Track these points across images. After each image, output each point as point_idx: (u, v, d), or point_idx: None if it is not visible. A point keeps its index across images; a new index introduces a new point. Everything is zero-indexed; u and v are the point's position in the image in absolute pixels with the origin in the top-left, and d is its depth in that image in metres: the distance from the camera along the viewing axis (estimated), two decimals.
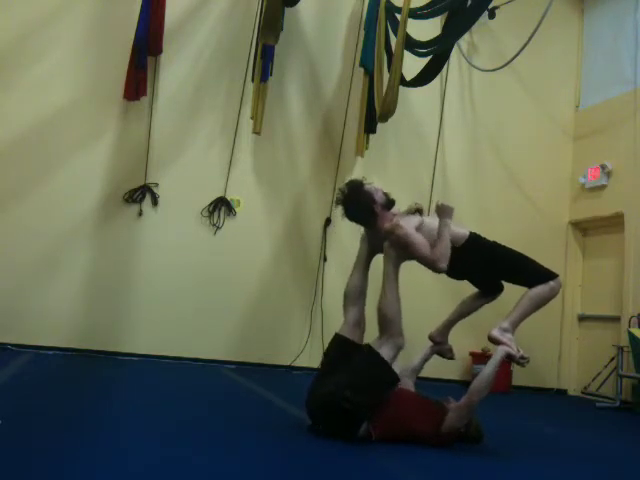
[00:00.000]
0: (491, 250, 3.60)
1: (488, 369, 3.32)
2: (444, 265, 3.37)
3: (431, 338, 3.86)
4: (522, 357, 3.37)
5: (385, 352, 3.29)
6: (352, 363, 3.34)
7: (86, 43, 6.81)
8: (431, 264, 3.39)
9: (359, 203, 3.50)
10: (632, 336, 6.57)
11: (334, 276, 7.22)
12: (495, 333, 3.42)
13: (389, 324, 3.35)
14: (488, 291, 3.78)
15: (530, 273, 3.54)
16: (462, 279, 3.77)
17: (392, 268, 3.44)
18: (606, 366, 7.23)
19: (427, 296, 7.04)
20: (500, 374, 7.28)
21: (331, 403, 3.20)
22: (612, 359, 7.13)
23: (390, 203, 3.55)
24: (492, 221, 7.18)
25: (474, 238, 3.59)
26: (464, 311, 3.84)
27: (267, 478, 2.56)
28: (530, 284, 3.52)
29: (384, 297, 3.40)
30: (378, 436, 3.21)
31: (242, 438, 3.17)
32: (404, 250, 3.41)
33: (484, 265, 3.58)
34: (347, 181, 3.64)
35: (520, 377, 7.59)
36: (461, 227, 3.62)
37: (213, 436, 3.14)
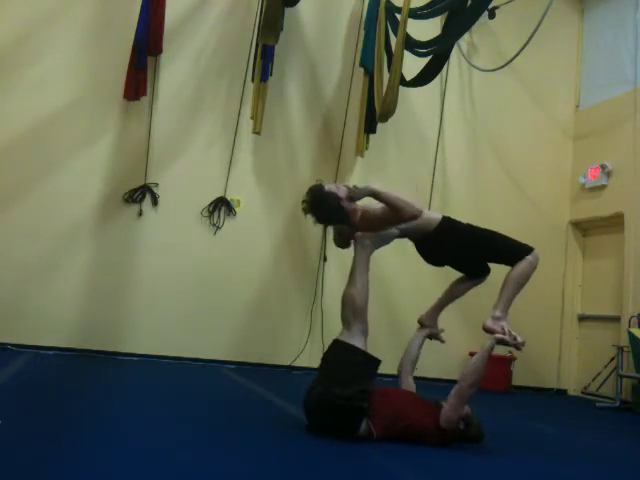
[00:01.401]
0: (465, 232, 3.62)
1: (477, 356, 3.33)
2: (418, 207, 3.48)
3: (420, 322, 3.91)
4: (515, 340, 3.36)
5: (356, 342, 3.33)
6: (332, 363, 3.37)
7: (86, 43, 6.81)
8: (404, 217, 3.47)
9: (325, 205, 3.49)
10: (632, 336, 6.57)
11: (334, 276, 7.22)
12: (489, 324, 3.45)
13: (357, 312, 3.38)
14: (474, 274, 3.80)
15: (506, 251, 3.58)
16: (442, 265, 3.80)
17: (364, 257, 3.48)
18: (606, 366, 7.24)
19: (422, 287, 7.04)
20: (500, 374, 7.32)
21: (325, 405, 3.21)
22: (612, 359, 7.13)
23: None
24: (492, 221, 7.06)
25: (447, 221, 3.60)
26: (453, 294, 3.87)
27: (267, 478, 2.56)
28: (508, 262, 3.55)
29: (354, 285, 3.43)
30: (379, 434, 3.21)
31: (242, 438, 3.17)
32: (380, 223, 3.49)
33: (460, 247, 3.61)
34: (306, 192, 3.59)
35: (520, 377, 7.60)
36: (433, 212, 3.67)
37: (213, 436, 3.14)
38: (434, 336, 3.91)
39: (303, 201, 3.55)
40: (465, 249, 3.62)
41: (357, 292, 3.41)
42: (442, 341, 3.94)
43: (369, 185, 3.49)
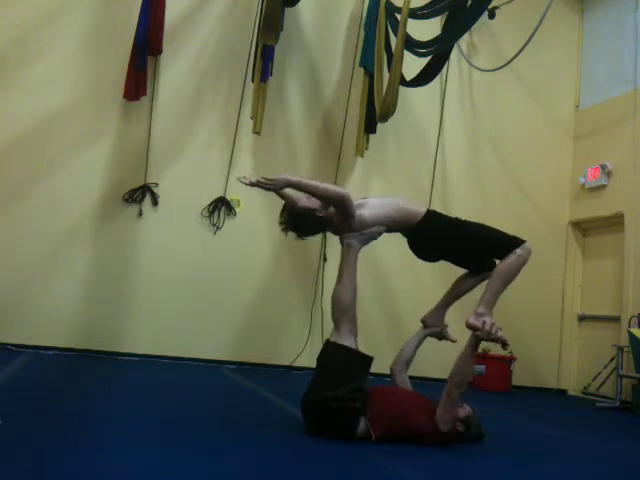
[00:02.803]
0: (450, 225, 3.56)
1: (460, 355, 3.32)
2: (340, 191, 3.34)
3: (423, 321, 3.85)
4: (496, 338, 3.28)
5: (346, 342, 3.31)
6: (322, 365, 3.36)
7: (86, 43, 6.80)
8: (340, 206, 3.34)
9: (303, 221, 3.44)
10: (632, 336, 6.57)
11: (334, 276, 7.19)
12: (472, 320, 3.35)
13: (344, 311, 3.36)
14: (476, 270, 3.73)
15: (495, 244, 3.51)
16: (432, 260, 3.74)
17: (351, 257, 3.44)
18: (606, 366, 7.24)
19: (422, 286, 7.05)
20: (500, 374, 7.31)
21: (322, 410, 3.21)
22: (612, 359, 7.13)
23: None
24: (492, 221, 7.12)
25: (432, 215, 3.55)
26: (457, 292, 3.80)
27: (267, 478, 2.56)
28: (497, 255, 3.48)
29: (341, 284, 3.40)
30: (378, 435, 3.21)
31: (241, 438, 3.17)
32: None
33: (446, 241, 3.55)
34: (280, 212, 3.54)
35: (520, 377, 7.60)
36: (417, 205, 3.59)
37: (213, 436, 3.13)
38: (442, 336, 3.85)
39: (280, 222, 3.48)
40: (451, 242, 3.55)
41: (343, 292, 3.39)
42: (453, 340, 3.84)
43: (285, 175, 3.33)
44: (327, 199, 3.36)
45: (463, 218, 3.67)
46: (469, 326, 3.37)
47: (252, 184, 3.46)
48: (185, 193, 6.97)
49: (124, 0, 6.89)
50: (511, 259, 3.40)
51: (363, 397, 3.22)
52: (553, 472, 3.18)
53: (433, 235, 3.53)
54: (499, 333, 3.28)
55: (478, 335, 3.30)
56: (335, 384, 3.19)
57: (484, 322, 3.29)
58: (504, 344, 3.32)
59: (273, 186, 3.36)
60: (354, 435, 3.21)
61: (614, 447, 4.30)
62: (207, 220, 7.05)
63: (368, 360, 3.35)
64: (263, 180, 3.32)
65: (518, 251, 3.41)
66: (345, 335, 3.34)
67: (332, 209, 3.49)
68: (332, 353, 3.34)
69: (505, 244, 3.47)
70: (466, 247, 3.59)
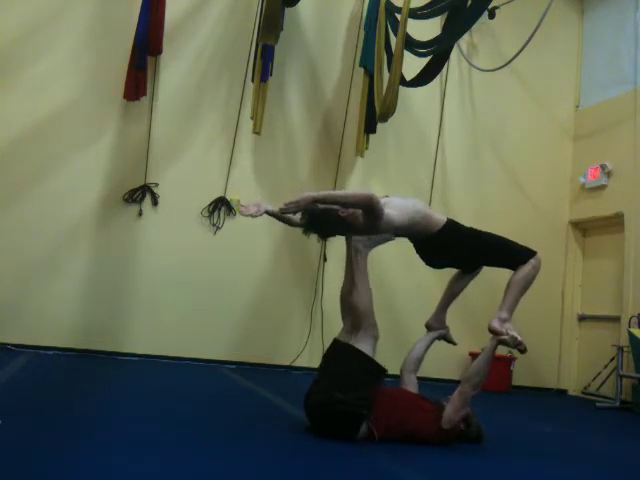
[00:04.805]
0: (469, 236, 3.59)
1: (480, 358, 3.36)
2: (365, 191, 3.22)
3: (428, 326, 3.90)
4: (519, 343, 3.34)
5: (364, 347, 3.30)
6: (335, 365, 3.35)
7: (86, 43, 6.81)
8: (367, 201, 3.17)
9: (325, 221, 3.33)
10: (632, 336, 6.57)
11: (334, 276, 7.21)
12: (495, 324, 3.41)
13: (363, 317, 3.35)
14: (470, 269, 3.81)
15: (510, 255, 3.57)
16: (441, 267, 3.78)
17: (362, 262, 3.44)
18: (606, 366, 7.24)
19: (422, 288, 7.05)
20: (500, 374, 7.31)
21: (328, 410, 3.21)
22: (612, 359, 7.13)
23: None
24: (492, 221, 7.14)
25: (451, 224, 3.56)
26: (453, 292, 3.86)
27: (267, 478, 2.56)
28: (511, 266, 3.55)
29: (356, 291, 3.39)
30: (381, 436, 3.21)
31: (242, 438, 3.17)
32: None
33: (463, 251, 3.58)
34: (301, 214, 3.41)
35: (520, 377, 7.60)
36: (437, 214, 3.61)
37: (213, 436, 3.13)
38: (445, 337, 3.90)
39: (302, 225, 3.41)
40: (468, 253, 3.60)
41: (360, 298, 3.37)
42: (454, 343, 3.93)
43: (303, 193, 3.18)
44: (355, 204, 3.22)
45: (462, 222, 3.69)
46: (492, 330, 3.41)
47: (253, 214, 3.53)
48: (185, 193, 6.97)
49: (124, 0, 6.90)
50: (527, 269, 3.49)
51: (369, 404, 3.22)
52: (553, 472, 3.18)
53: (450, 245, 3.54)
54: (521, 339, 3.34)
55: (501, 339, 3.34)
56: (347, 387, 3.18)
57: (508, 329, 3.35)
58: (524, 351, 3.38)
59: (298, 208, 3.23)
60: (356, 437, 3.21)
61: (614, 447, 4.30)
62: (207, 220, 7.05)
63: (383, 372, 3.36)
64: (286, 206, 3.19)
65: (533, 262, 3.51)
66: (365, 340, 3.32)
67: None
68: (348, 356, 3.31)
69: (519, 255, 3.55)
70: (481, 258, 3.66)
